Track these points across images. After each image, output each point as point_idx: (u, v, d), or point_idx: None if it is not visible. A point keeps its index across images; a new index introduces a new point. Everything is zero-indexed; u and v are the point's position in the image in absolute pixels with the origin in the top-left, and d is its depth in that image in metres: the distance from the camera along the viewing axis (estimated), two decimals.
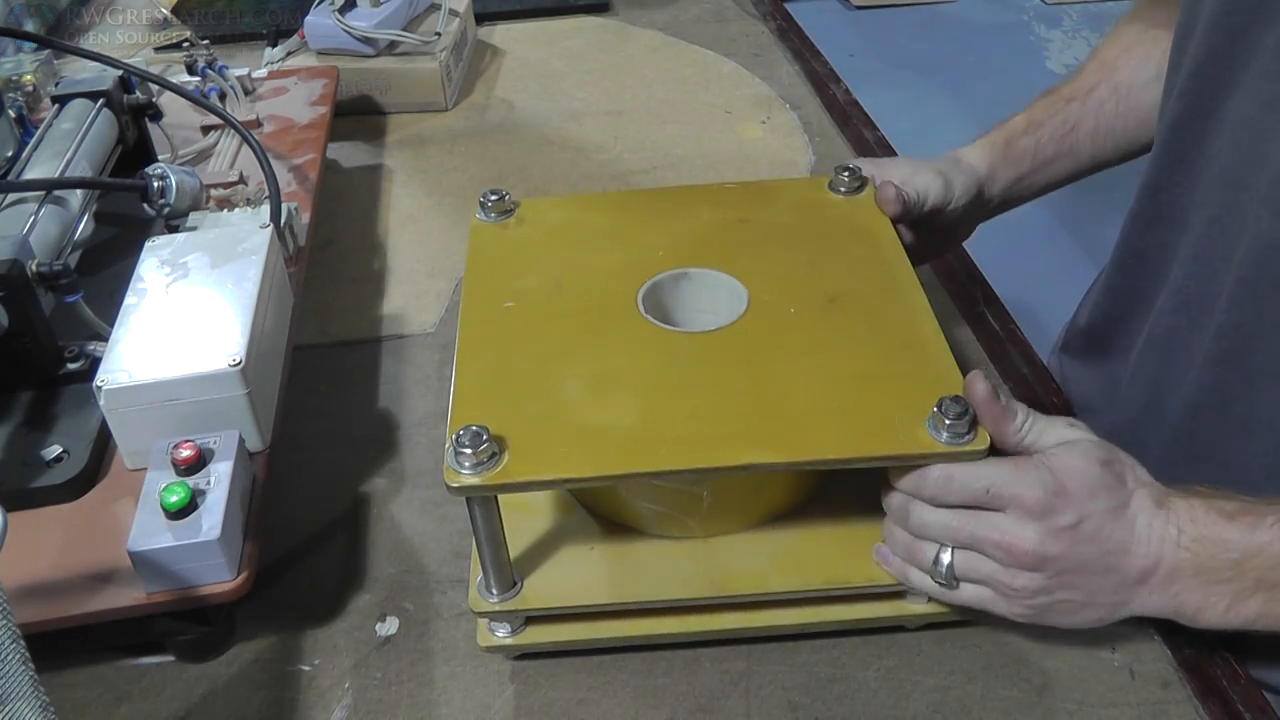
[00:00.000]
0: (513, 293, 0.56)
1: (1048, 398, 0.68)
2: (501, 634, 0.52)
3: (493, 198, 0.62)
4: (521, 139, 0.98)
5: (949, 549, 0.48)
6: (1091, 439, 0.49)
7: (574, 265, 0.58)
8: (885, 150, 0.93)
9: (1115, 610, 0.49)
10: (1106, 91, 0.71)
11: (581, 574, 0.52)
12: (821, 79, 1.05)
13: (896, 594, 0.52)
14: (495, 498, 0.48)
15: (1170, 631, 0.53)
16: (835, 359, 0.51)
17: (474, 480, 0.45)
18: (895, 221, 0.61)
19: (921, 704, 0.50)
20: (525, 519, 0.54)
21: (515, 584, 0.51)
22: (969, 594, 0.49)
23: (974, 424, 0.46)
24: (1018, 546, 0.46)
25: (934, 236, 0.69)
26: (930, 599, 0.51)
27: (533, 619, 0.52)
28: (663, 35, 1.15)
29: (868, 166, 0.64)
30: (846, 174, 0.62)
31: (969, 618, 0.52)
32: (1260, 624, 0.47)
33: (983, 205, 0.70)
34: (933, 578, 0.49)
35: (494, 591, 0.50)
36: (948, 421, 0.46)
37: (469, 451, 0.45)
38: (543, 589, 0.51)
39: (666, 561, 0.52)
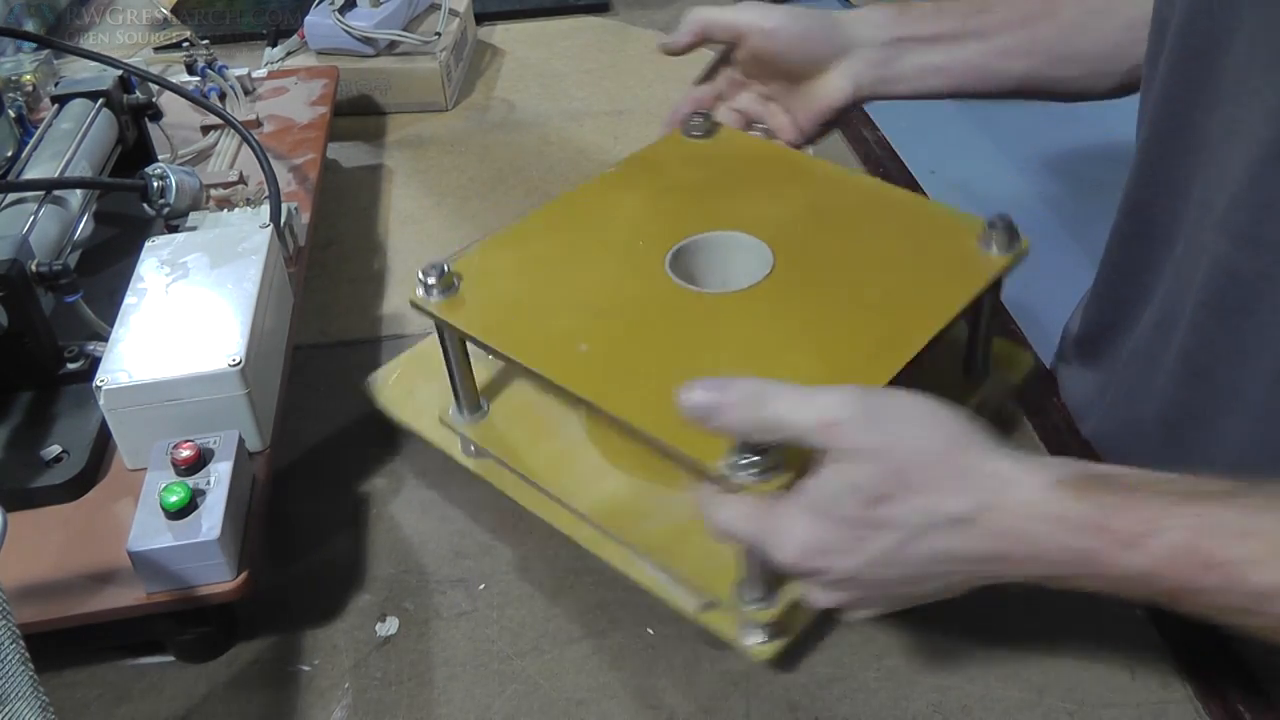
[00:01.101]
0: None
1: (1048, 399, 0.68)
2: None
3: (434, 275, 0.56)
4: (521, 139, 0.98)
5: None
6: (856, 468, 0.41)
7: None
8: (886, 152, 0.93)
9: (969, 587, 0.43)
10: None
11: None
12: None
13: None
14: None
15: (1171, 631, 0.53)
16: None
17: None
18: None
19: (921, 704, 0.50)
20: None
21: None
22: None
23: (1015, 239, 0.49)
24: (812, 601, 0.44)
25: (792, 95, 0.67)
26: None
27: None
28: (663, 35, 1.14)
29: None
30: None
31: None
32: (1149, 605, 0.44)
33: (851, 57, 0.64)
34: None
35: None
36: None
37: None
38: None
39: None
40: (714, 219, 0.58)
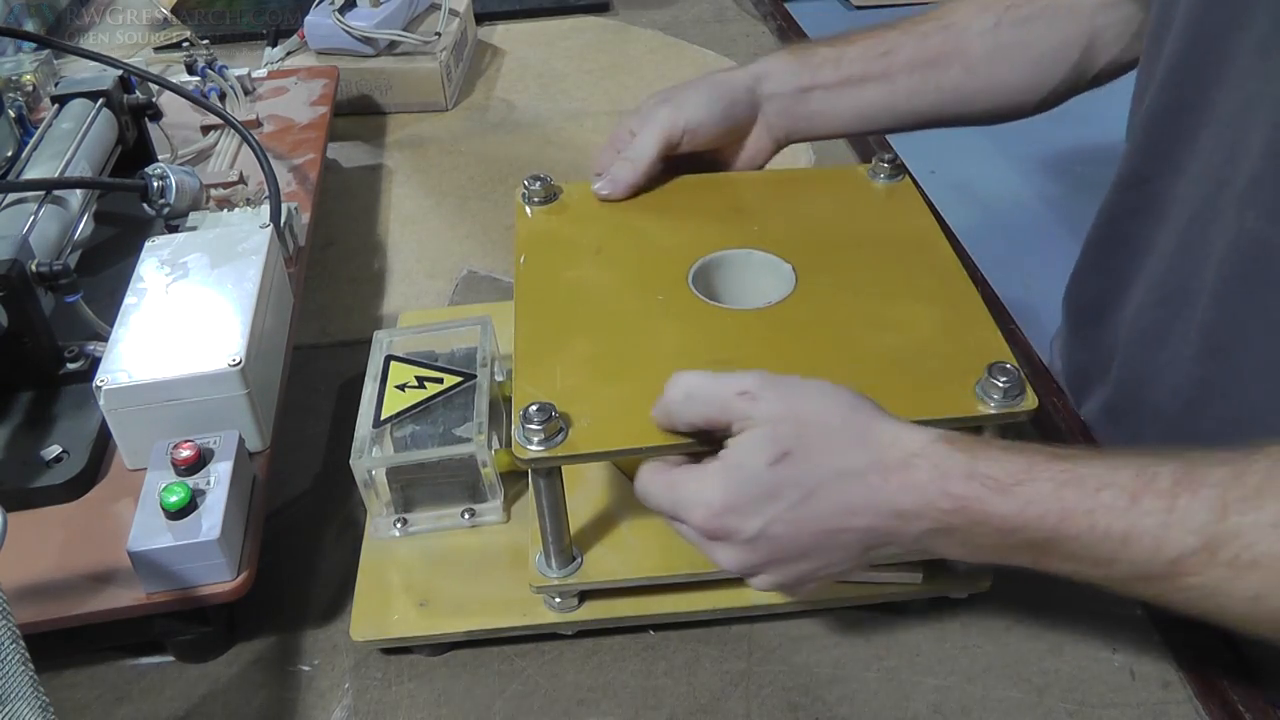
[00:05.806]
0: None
1: (1048, 399, 0.68)
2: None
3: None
4: (521, 139, 0.98)
5: None
6: (764, 429, 0.44)
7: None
8: (885, 151, 0.93)
9: (870, 559, 0.45)
10: (934, 28, 0.67)
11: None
12: None
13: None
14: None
15: (1171, 631, 0.53)
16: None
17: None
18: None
19: (921, 704, 0.50)
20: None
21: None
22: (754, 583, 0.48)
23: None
24: (721, 564, 0.46)
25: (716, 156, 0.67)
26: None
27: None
28: (663, 35, 1.15)
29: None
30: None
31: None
32: (1032, 567, 0.44)
33: (764, 112, 0.66)
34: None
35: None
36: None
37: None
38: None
39: None
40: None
